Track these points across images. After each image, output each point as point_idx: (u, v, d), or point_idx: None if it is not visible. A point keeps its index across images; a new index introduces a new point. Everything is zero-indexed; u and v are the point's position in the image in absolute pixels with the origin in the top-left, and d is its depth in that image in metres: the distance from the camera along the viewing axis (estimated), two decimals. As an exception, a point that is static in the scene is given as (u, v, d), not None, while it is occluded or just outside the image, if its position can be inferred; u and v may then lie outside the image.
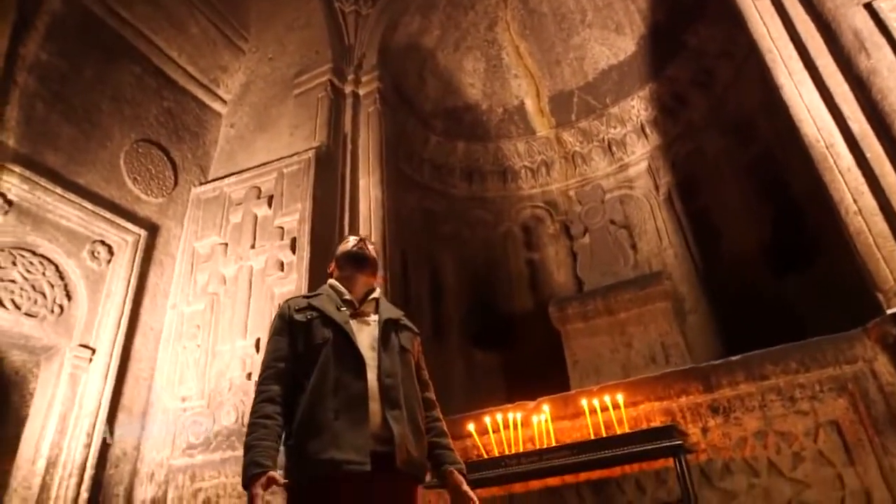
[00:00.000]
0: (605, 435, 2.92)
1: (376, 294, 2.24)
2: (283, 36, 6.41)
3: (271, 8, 6.54)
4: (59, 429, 3.99)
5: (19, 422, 4.10)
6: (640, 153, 6.83)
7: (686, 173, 6.41)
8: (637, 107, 6.78)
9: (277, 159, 5.35)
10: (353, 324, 2.07)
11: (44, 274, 4.24)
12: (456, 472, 2.04)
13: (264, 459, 1.79)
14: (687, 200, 6.39)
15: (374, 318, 2.13)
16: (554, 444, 3.05)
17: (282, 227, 4.95)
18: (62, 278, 4.34)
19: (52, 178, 4.36)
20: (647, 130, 6.75)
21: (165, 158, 5.42)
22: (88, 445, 4.07)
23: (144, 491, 4.17)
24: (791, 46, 3.63)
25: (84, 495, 3.95)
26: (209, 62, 6.16)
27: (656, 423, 3.06)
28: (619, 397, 3.00)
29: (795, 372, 3.09)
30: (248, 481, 1.76)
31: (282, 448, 1.90)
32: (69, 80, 4.78)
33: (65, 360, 4.18)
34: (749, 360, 3.20)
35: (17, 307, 4.03)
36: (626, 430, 2.95)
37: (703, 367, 3.27)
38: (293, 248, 4.78)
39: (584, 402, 3.07)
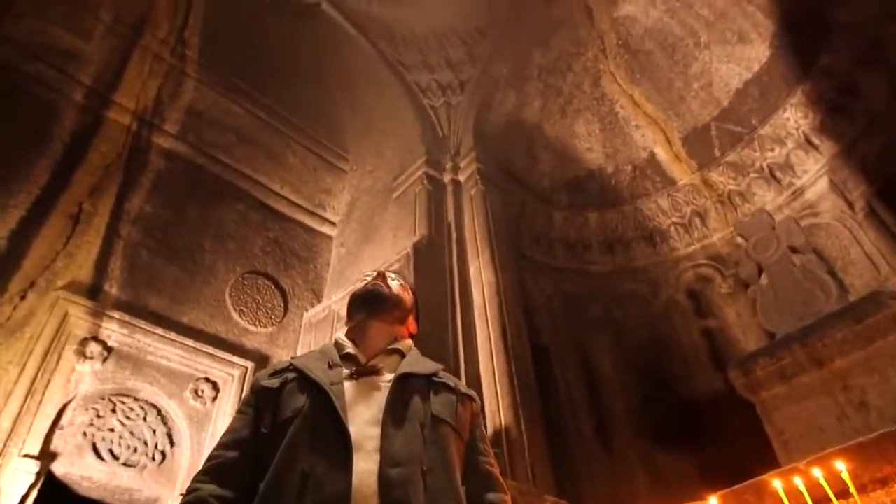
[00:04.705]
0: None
1: (400, 345, 1.52)
2: (379, 144, 6.31)
3: (366, 121, 6.54)
4: None
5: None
6: (814, 170, 5.40)
7: (886, 175, 4.87)
8: (793, 117, 5.48)
9: (380, 265, 4.96)
10: (350, 387, 1.37)
11: (144, 419, 4.02)
12: None
13: None
14: (899, 207, 4.80)
15: (390, 377, 1.40)
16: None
17: (388, 332, 4.39)
18: (164, 422, 4.09)
19: (153, 320, 4.29)
20: (815, 140, 5.36)
21: (274, 287, 5.26)
22: None
23: None
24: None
25: None
26: (312, 188, 6.16)
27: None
28: (841, 466, 1.73)
29: None
30: None
31: None
32: (172, 225, 4.89)
33: (167, 514, 3.80)
34: None
35: (115, 457, 3.78)
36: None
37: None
38: (399, 352, 4.16)
39: (777, 485, 1.85)
